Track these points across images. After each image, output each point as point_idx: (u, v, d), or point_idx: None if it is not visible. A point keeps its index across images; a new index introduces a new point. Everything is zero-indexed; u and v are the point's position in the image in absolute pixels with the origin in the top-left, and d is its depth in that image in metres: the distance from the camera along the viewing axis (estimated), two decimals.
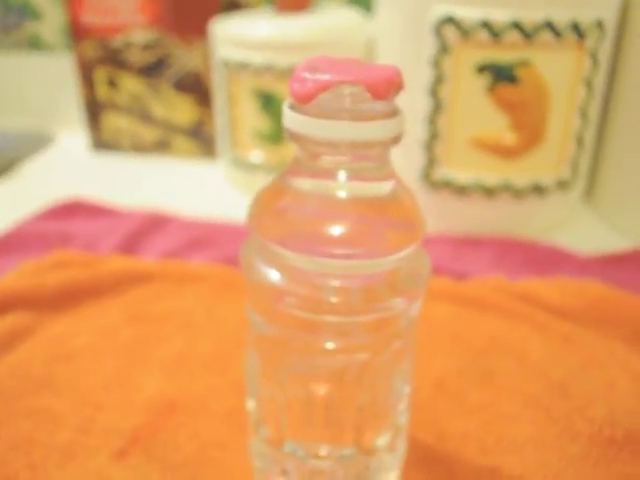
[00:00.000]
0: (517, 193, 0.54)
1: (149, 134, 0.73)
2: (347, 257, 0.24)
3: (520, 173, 0.53)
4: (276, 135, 0.61)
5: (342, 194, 0.25)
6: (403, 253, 0.25)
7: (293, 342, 0.26)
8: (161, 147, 0.73)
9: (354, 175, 0.25)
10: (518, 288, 0.46)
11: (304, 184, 0.25)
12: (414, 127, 0.54)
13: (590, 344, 0.41)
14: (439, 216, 0.56)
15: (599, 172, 0.61)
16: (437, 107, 0.52)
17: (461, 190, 0.54)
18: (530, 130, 0.52)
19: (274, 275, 0.25)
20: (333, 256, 0.24)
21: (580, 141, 0.54)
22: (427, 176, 0.55)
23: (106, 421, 0.35)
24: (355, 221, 0.25)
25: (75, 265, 0.47)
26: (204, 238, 0.54)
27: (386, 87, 0.23)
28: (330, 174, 0.25)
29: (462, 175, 0.54)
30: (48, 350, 0.40)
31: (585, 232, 0.58)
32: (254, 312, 0.28)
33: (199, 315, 0.44)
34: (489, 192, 0.54)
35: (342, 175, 0.25)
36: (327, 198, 0.25)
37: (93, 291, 0.45)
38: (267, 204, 0.26)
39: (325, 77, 0.23)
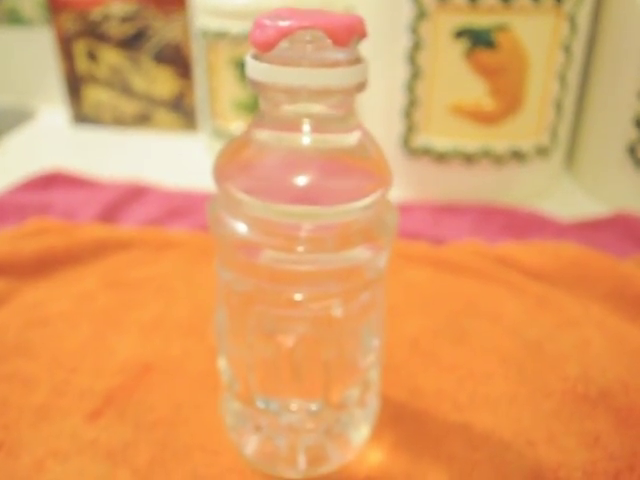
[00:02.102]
0: (497, 159, 0.54)
1: (130, 107, 0.72)
2: (314, 204, 0.24)
3: (499, 139, 0.53)
4: (256, 105, 0.60)
5: (306, 145, 0.25)
6: (369, 199, 0.25)
7: (262, 295, 0.26)
8: (142, 120, 0.73)
9: (318, 127, 0.25)
10: (495, 251, 0.46)
11: (268, 136, 0.25)
12: (393, 94, 0.54)
13: (565, 304, 0.41)
14: (419, 183, 0.56)
15: (579, 139, 0.61)
16: (415, 74, 0.52)
17: (441, 157, 0.54)
18: (509, 96, 0.52)
19: (241, 227, 0.25)
20: (300, 203, 0.24)
21: (559, 107, 0.54)
22: (406, 143, 0.54)
23: (80, 383, 0.35)
24: (320, 170, 0.25)
25: (53, 233, 0.47)
26: (183, 207, 0.54)
27: (347, 33, 0.23)
28: (294, 125, 0.25)
29: (441, 142, 0.54)
30: (24, 316, 0.40)
31: (565, 199, 0.58)
32: (223, 267, 0.28)
33: (176, 281, 0.44)
34: (469, 159, 0.54)
35: (306, 126, 0.25)
36: (291, 149, 0.25)
37: (70, 258, 0.45)
38: (232, 156, 0.26)
39: (285, 23, 0.23)
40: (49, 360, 0.36)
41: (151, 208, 0.53)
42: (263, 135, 0.25)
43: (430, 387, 0.35)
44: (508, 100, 0.52)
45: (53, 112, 0.79)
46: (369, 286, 0.27)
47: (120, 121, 0.73)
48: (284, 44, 0.23)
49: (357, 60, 0.24)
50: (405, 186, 0.56)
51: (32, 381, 0.35)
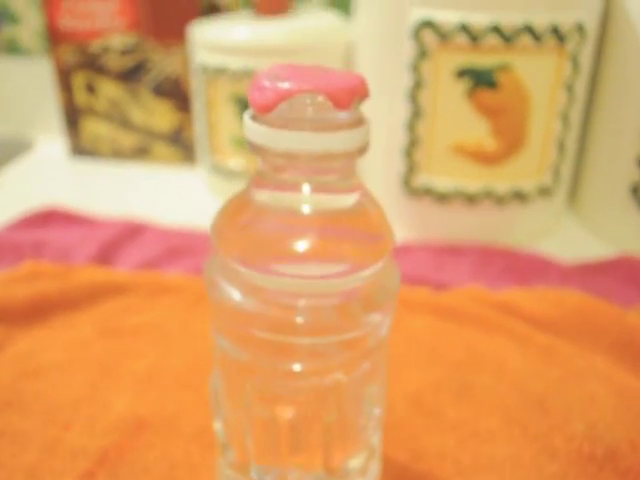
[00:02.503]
0: (499, 200, 0.53)
1: (128, 140, 0.72)
2: (315, 275, 0.23)
3: (501, 180, 0.52)
4: None
5: (306, 207, 0.24)
6: (371, 269, 0.24)
7: (258, 365, 0.25)
8: (140, 153, 0.72)
9: (318, 187, 0.24)
10: (497, 298, 0.45)
11: (266, 197, 0.24)
12: (393, 133, 0.53)
13: (569, 356, 0.40)
14: (419, 224, 0.56)
15: (581, 178, 0.60)
16: (416, 113, 0.51)
17: (442, 197, 0.53)
18: (511, 136, 0.51)
19: (237, 295, 0.25)
20: (300, 275, 0.23)
21: (561, 147, 0.53)
22: (407, 183, 0.54)
23: (73, 441, 0.34)
24: (321, 237, 0.24)
25: (46, 276, 0.46)
26: (181, 247, 0.53)
27: (349, 96, 0.22)
28: (293, 186, 0.24)
29: (443, 182, 0.53)
30: (16, 366, 0.39)
31: (568, 239, 0.57)
32: (218, 333, 0.27)
33: (173, 328, 0.43)
34: (470, 199, 0.53)
35: (306, 188, 0.24)
36: (291, 212, 0.24)
37: (64, 304, 0.44)
38: (229, 218, 0.26)
39: (285, 86, 0.22)
40: (41, 415, 0.36)
41: (148, 248, 0.52)
42: (262, 196, 0.25)
43: (432, 448, 0.34)
44: (510, 140, 0.51)
45: (51, 143, 0.79)
46: (371, 354, 0.27)
47: (118, 154, 0.73)
48: (283, 105, 0.22)
49: (359, 122, 0.23)
50: (405, 226, 0.56)
51: (23, 438, 0.34)
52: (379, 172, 0.55)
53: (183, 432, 0.35)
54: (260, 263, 0.24)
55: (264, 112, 0.22)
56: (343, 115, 0.23)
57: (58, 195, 0.64)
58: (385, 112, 0.54)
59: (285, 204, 0.24)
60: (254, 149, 0.24)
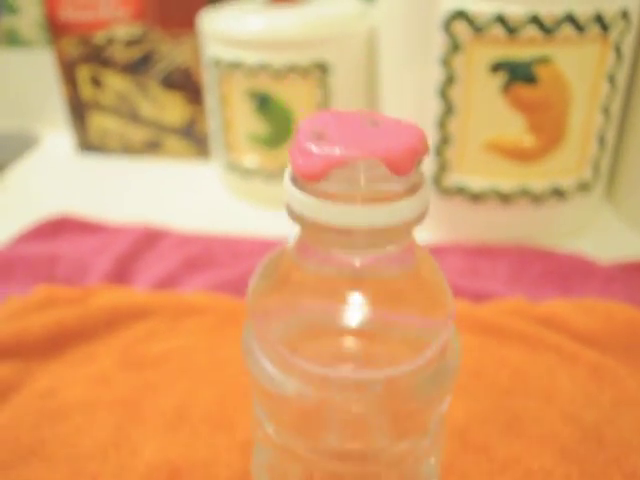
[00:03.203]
0: (535, 198, 0.50)
1: (138, 134, 0.69)
2: (364, 363, 0.21)
3: (538, 177, 0.49)
4: (273, 139, 0.57)
5: (355, 284, 0.21)
6: (427, 354, 0.21)
7: (304, 453, 0.23)
8: (151, 148, 0.69)
9: (371, 259, 0.21)
10: (541, 312, 0.43)
11: (311, 269, 0.22)
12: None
13: (620, 377, 0.38)
14: (451, 224, 0.53)
15: (619, 171, 0.57)
16: (448, 109, 0.48)
17: (475, 197, 0.50)
18: (549, 131, 0.48)
19: (280, 378, 0.22)
20: (348, 376, 0.21)
21: (602, 140, 0.50)
22: (438, 182, 0.51)
23: None
24: (373, 317, 0.21)
25: (62, 303, 0.43)
26: (201, 257, 0.51)
27: (410, 160, 0.20)
28: (342, 261, 0.21)
29: (476, 181, 0.50)
30: (37, 407, 0.37)
31: (607, 234, 0.54)
32: (260, 407, 0.25)
33: (200, 356, 0.41)
34: (505, 198, 0.50)
35: (357, 261, 0.21)
36: (338, 293, 0.21)
37: (83, 333, 0.41)
38: (269, 290, 0.23)
39: (336, 152, 0.19)
40: (68, 465, 0.33)
41: (166, 260, 0.50)
42: (306, 267, 0.22)
43: None
44: (548, 136, 0.48)
45: (58, 137, 0.75)
46: (430, 434, 0.24)
47: (128, 149, 0.70)
48: (332, 171, 0.20)
49: (418, 184, 0.21)
50: (437, 227, 0.53)
51: None
52: None
53: (219, 478, 0.33)
54: (301, 348, 0.21)
55: (311, 181, 0.20)
56: (401, 181, 0.20)
57: (67, 193, 0.62)
58: (413, 108, 0.50)
59: (331, 280, 0.22)
60: (296, 219, 0.21)
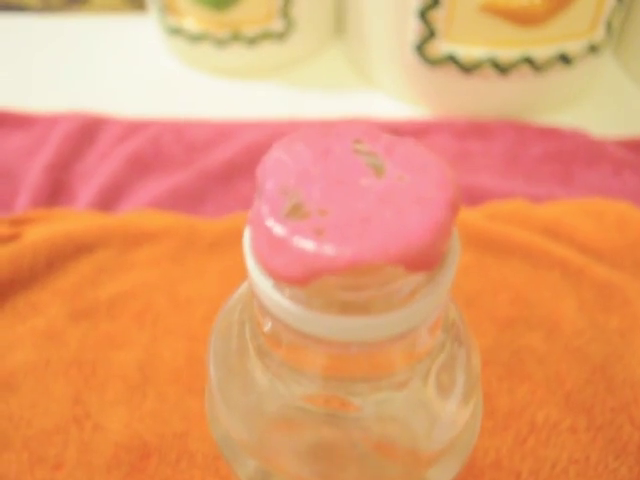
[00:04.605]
0: (539, 66, 0.42)
1: None
2: None
3: (543, 43, 0.41)
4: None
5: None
6: None
7: None
8: (74, 2, 0.57)
9: None
10: (544, 218, 0.38)
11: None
12: None
13: (629, 300, 0.34)
14: (440, 98, 0.45)
15: (630, 25, 0.48)
16: None
17: (468, 67, 0.42)
18: None
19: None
20: None
21: None
22: (424, 52, 0.42)
23: None
24: None
25: None
26: (149, 153, 0.43)
27: (436, 253, 0.13)
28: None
29: (469, 49, 0.42)
30: None
31: (613, 93, 0.48)
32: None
33: (158, 297, 0.35)
34: (503, 69, 0.42)
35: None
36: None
37: (20, 279, 0.36)
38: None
39: (329, 252, 0.12)
40: (26, 450, 0.30)
41: (109, 161, 0.42)
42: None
43: (486, 454, 0.29)
44: None
45: None
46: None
47: (48, 5, 0.57)
48: None
49: (436, 274, 0.14)
50: (423, 102, 0.45)
51: None
52: (389, 40, 0.43)
53: (196, 458, 0.30)
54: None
55: (297, 286, 0.13)
56: (417, 277, 0.14)
57: None
58: None
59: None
60: (281, 328, 0.15)
